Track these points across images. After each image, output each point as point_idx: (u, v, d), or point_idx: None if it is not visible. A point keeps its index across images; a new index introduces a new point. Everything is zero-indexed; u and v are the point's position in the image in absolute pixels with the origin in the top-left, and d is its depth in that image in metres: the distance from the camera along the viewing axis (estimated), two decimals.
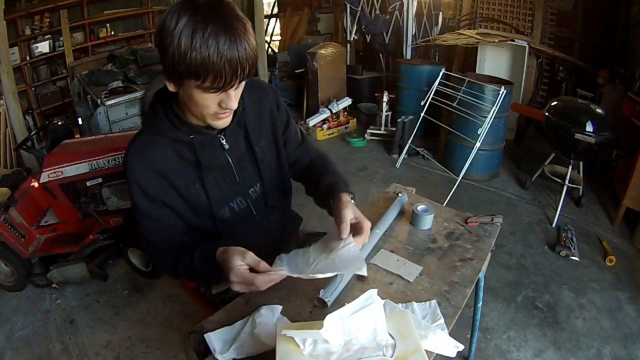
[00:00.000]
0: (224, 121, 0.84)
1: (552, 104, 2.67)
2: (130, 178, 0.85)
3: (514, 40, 3.67)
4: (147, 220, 0.89)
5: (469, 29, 4.23)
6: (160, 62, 0.76)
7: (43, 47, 4.58)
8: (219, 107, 0.78)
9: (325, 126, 4.14)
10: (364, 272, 0.76)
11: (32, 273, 2.13)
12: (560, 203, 2.58)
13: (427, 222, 1.13)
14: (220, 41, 0.68)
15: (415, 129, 3.48)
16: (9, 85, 3.40)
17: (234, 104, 0.79)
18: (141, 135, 0.88)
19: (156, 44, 0.76)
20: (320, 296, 0.84)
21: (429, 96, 3.29)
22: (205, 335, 0.77)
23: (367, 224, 0.86)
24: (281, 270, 0.76)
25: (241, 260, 0.75)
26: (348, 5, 4.88)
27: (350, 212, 0.85)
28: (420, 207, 1.14)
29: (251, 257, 0.76)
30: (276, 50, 5.51)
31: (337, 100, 4.26)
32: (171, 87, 0.79)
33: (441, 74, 3.27)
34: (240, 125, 0.95)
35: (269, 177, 1.03)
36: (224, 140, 0.92)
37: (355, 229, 0.86)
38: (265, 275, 0.75)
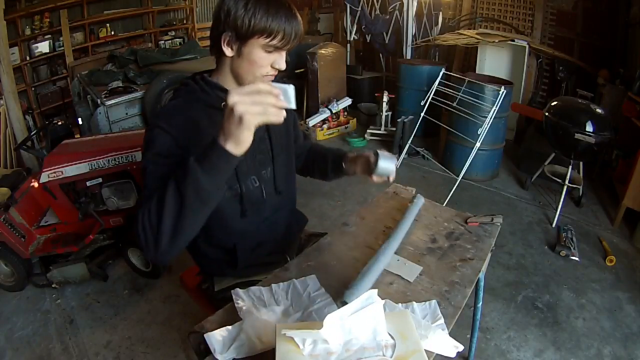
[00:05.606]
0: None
1: (552, 104, 2.67)
2: (161, 126, 0.86)
3: (514, 40, 3.67)
4: (162, 167, 0.83)
5: (469, 29, 4.23)
6: (219, 32, 0.87)
7: (43, 47, 4.59)
8: (270, 68, 0.91)
9: (325, 126, 4.14)
10: None
11: (32, 273, 2.13)
12: (560, 203, 2.58)
13: (389, 163, 0.99)
14: (287, 13, 0.86)
15: (415, 129, 3.48)
16: (9, 85, 3.41)
17: (284, 65, 0.92)
18: (177, 99, 0.96)
19: (221, 17, 0.86)
20: (345, 299, 0.83)
21: (429, 96, 3.29)
22: (205, 335, 0.77)
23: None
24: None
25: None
26: (348, 5, 4.89)
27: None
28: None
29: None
30: None
31: (337, 100, 4.26)
32: (229, 52, 0.89)
33: (441, 74, 3.27)
34: None
35: (278, 163, 1.08)
36: None
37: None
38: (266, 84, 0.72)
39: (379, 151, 1.03)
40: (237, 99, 0.69)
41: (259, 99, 0.70)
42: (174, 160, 0.84)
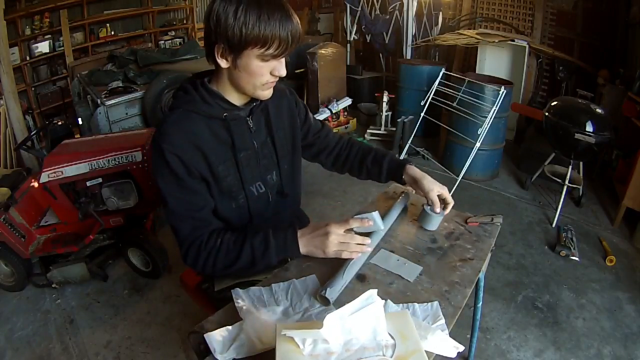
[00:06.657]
0: (270, 91, 0.93)
1: (552, 104, 2.67)
2: (166, 149, 0.86)
3: (514, 40, 3.67)
4: (186, 193, 0.90)
5: (469, 29, 4.23)
6: (212, 42, 0.84)
7: (43, 47, 4.59)
8: (270, 75, 0.88)
9: None
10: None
11: (32, 273, 2.13)
12: (560, 203, 2.58)
13: (434, 222, 1.10)
14: (282, 17, 0.80)
15: (415, 129, 3.48)
16: (9, 85, 3.40)
17: (284, 71, 0.89)
18: (176, 110, 0.92)
19: (211, 26, 0.82)
20: (323, 294, 0.84)
21: (429, 96, 3.29)
22: (205, 335, 0.77)
23: (448, 197, 1.08)
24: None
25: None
26: (348, 5, 4.89)
27: (434, 187, 1.07)
28: (429, 207, 1.10)
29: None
30: None
31: (337, 100, 4.26)
32: (224, 63, 0.85)
33: (441, 74, 3.27)
34: (263, 113, 1.01)
35: (284, 166, 1.08)
36: (251, 124, 0.98)
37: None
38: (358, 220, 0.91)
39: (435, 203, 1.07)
40: (334, 231, 0.88)
41: (349, 241, 0.90)
42: (190, 180, 0.90)
